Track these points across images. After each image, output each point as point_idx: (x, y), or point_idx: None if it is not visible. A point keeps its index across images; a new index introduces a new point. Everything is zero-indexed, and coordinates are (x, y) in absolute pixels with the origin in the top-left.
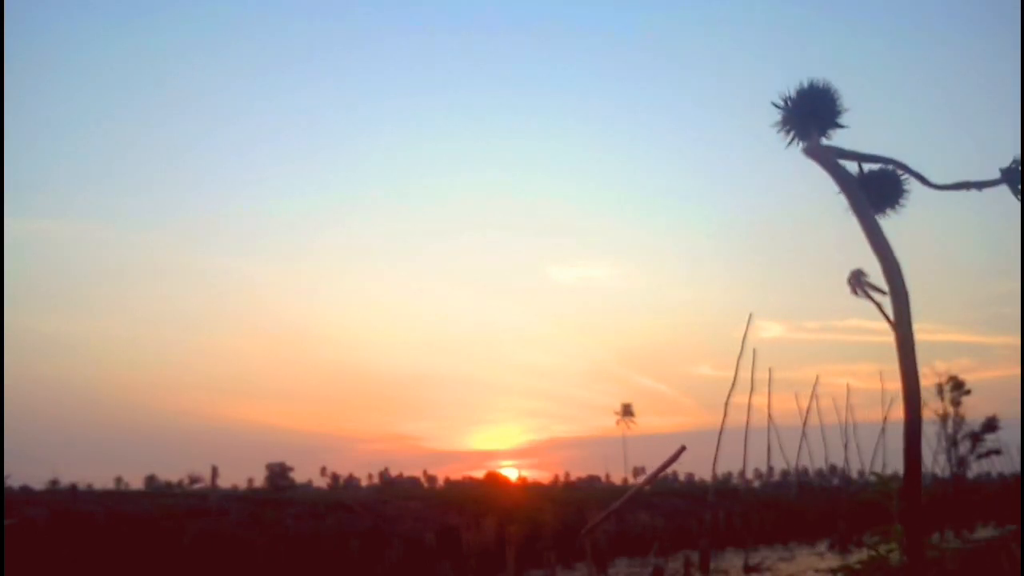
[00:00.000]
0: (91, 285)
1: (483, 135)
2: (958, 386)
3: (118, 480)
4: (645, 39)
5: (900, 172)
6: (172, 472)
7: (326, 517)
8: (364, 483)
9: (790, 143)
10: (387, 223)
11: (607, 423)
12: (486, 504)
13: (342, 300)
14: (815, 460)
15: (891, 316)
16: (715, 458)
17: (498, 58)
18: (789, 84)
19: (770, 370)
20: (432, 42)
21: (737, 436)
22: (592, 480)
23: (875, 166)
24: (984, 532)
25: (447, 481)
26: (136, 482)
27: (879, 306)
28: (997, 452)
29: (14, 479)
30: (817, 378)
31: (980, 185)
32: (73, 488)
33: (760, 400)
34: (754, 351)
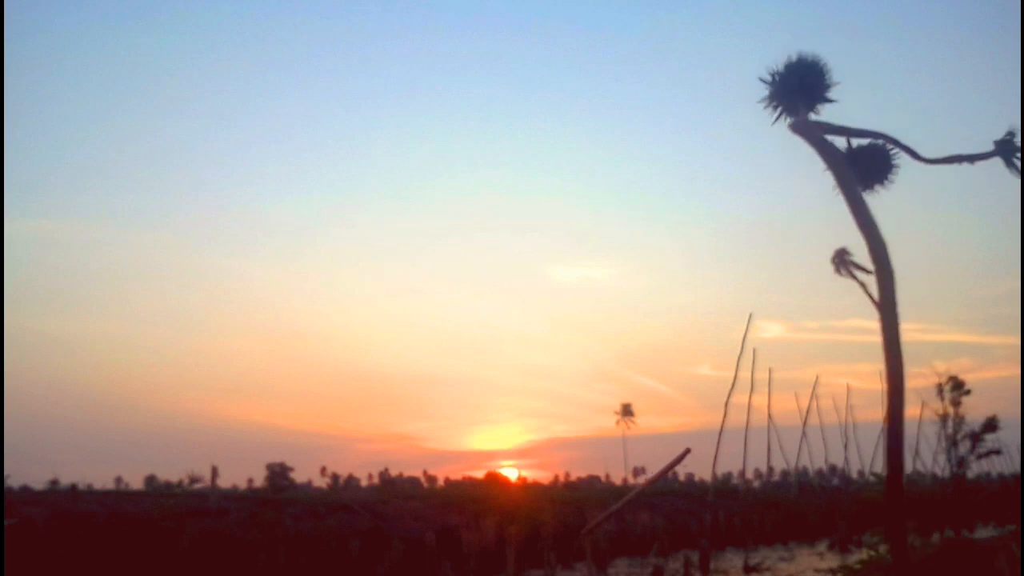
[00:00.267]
0: (91, 285)
1: (483, 135)
2: (958, 386)
3: (118, 480)
4: (645, 39)
5: (890, 147)
6: (172, 472)
7: (326, 517)
8: (364, 483)
9: (777, 119)
10: (387, 223)
11: (607, 423)
12: (486, 504)
13: (342, 300)
14: (815, 460)
15: (875, 296)
16: (715, 458)
17: (498, 58)
18: (777, 61)
19: (770, 370)
20: (432, 42)
21: (737, 436)
22: (592, 480)
23: (864, 141)
24: (984, 532)
25: (447, 481)
26: (136, 482)
27: (863, 286)
28: (997, 452)
29: (14, 479)
30: (817, 378)
31: (973, 158)
32: (73, 488)
33: (760, 400)
34: (754, 351)
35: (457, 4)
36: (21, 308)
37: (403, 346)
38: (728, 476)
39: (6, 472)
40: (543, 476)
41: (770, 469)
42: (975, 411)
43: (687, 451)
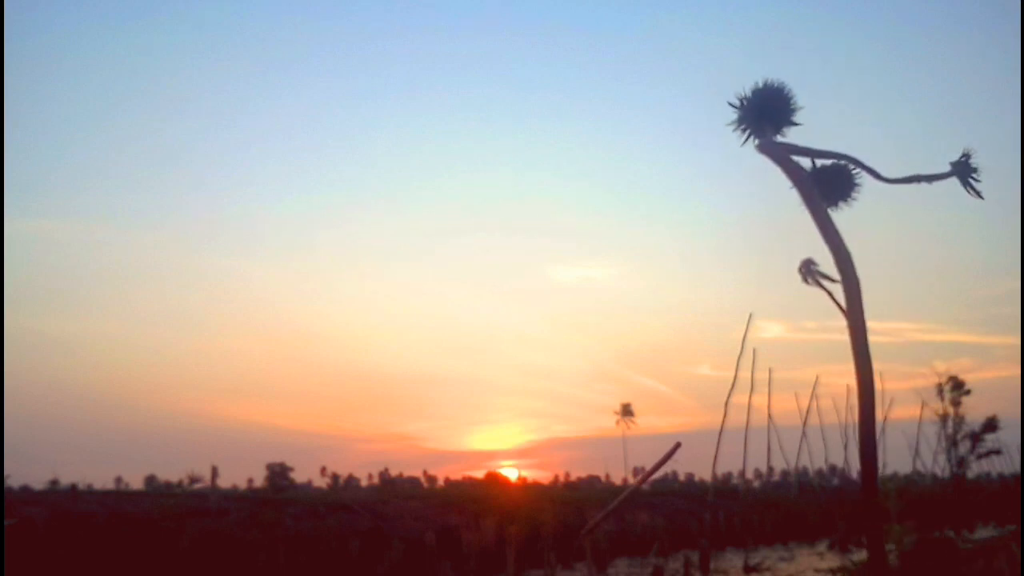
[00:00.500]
0: (91, 285)
1: (483, 135)
2: (958, 386)
3: (118, 480)
4: (645, 39)
5: (852, 167)
6: (172, 472)
7: (326, 517)
8: (364, 483)
9: (745, 141)
10: (387, 223)
11: (607, 423)
12: (486, 504)
13: (342, 300)
14: (815, 460)
15: (842, 303)
16: (715, 458)
17: (498, 58)
18: (750, 82)
19: (770, 370)
20: (432, 42)
21: (737, 436)
22: (592, 480)
23: (828, 161)
24: (984, 532)
25: (447, 481)
26: (136, 482)
27: (830, 293)
28: (997, 452)
29: (14, 479)
30: (817, 378)
31: (931, 178)
32: (73, 488)
33: (760, 400)
34: (754, 351)
35: (457, 4)
36: (21, 308)
37: (403, 346)
38: (728, 476)
39: (6, 472)
40: (543, 476)
41: (770, 469)
42: (975, 411)
43: (677, 445)
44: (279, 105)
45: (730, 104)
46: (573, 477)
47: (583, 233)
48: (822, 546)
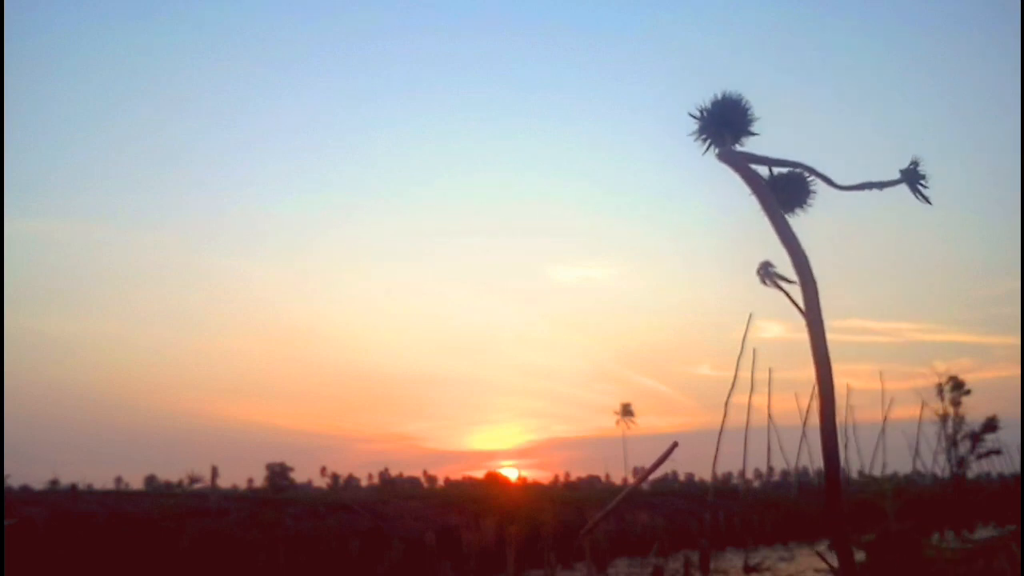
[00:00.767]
0: (91, 285)
1: (483, 135)
2: (958, 386)
3: (118, 480)
4: (645, 39)
5: (807, 174)
6: (172, 472)
7: (326, 517)
8: (364, 483)
9: (706, 150)
10: (387, 223)
11: (607, 423)
12: (486, 504)
13: (342, 300)
14: (815, 460)
15: (800, 304)
16: (715, 458)
17: (498, 58)
18: (711, 93)
19: (770, 370)
20: (432, 42)
21: (737, 436)
22: (592, 480)
23: (784, 169)
24: (984, 532)
25: (447, 481)
26: (136, 482)
27: (788, 295)
28: (997, 452)
29: (14, 479)
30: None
31: (881, 185)
32: (73, 488)
33: (760, 400)
34: (754, 351)
35: (457, 4)
36: (21, 308)
37: (403, 346)
38: (728, 476)
39: (6, 472)
40: (543, 476)
41: (770, 469)
42: (975, 411)
43: (674, 444)
44: (279, 105)
45: (690, 115)
46: (573, 477)
47: (583, 233)
48: (822, 546)
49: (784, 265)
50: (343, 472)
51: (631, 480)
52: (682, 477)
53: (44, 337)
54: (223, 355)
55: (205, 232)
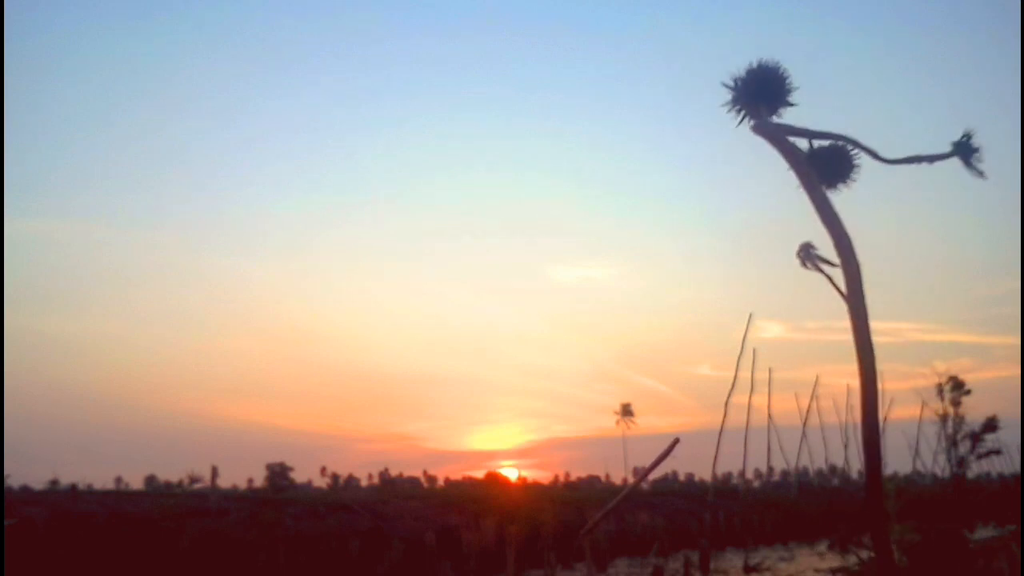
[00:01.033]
0: (91, 285)
1: (483, 135)
2: (958, 386)
3: (118, 480)
4: (645, 39)
5: (851, 148)
6: (172, 472)
7: (326, 517)
8: (364, 483)
9: (740, 122)
10: (387, 223)
11: (607, 423)
12: (486, 504)
13: (342, 300)
14: (815, 460)
15: (843, 289)
16: (715, 458)
17: (498, 58)
18: (740, 67)
19: (770, 370)
20: (432, 42)
21: (737, 436)
22: (592, 480)
23: (825, 142)
24: (984, 532)
25: (447, 481)
26: (136, 482)
27: (830, 278)
28: (997, 452)
29: (14, 479)
30: (817, 378)
31: (932, 159)
32: (73, 488)
33: (760, 400)
34: (754, 351)
35: (457, 4)
36: (21, 308)
37: (403, 346)
38: (728, 476)
39: (6, 472)
40: (543, 476)
41: (770, 469)
42: (975, 411)
43: (676, 441)
44: (279, 105)
45: (724, 84)
46: (573, 477)
47: (583, 233)
48: (822, 546)
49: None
50: (343, 472)
51: (631, 480)
52: (682, 477)
53: (44, 337)
54: (223, 355)
55: (205, 232)
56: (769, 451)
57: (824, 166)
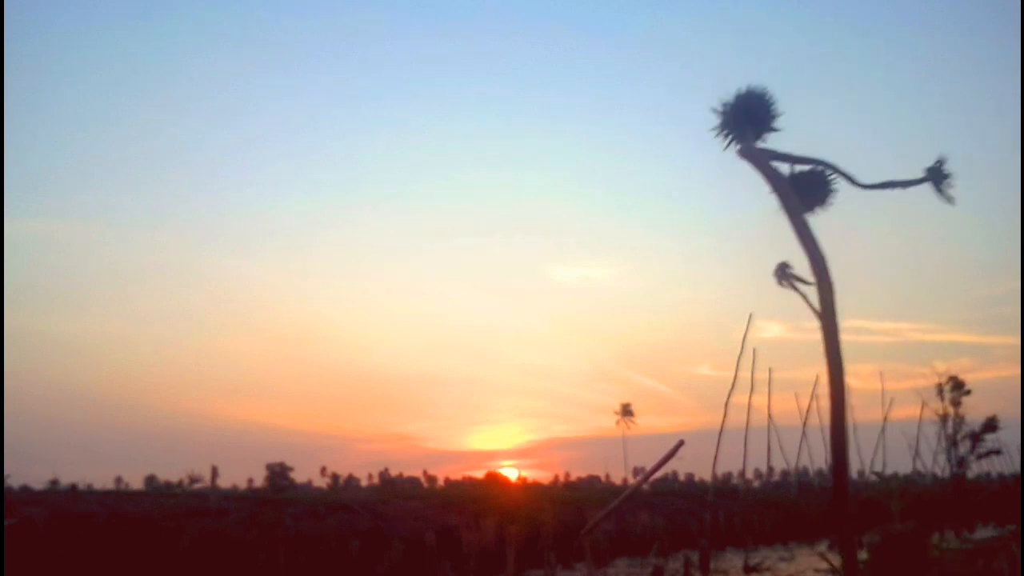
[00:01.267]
0: (91, 285)
1: (482, 135)
2: (958, 386)
3: (118, 480)
4: (645, 39)
5: (829, 172)
6: (172, 472)
7: (326, 517)
8: (364, 483)
9: (727, 146)
10: (387, 223)
11: (607, 423)
12: (486, 504)
13: (342, 300)
14: (815, 460)
15: (816, 306)
16: (715, 458)
17: (498, 58)
18: (743, 83)
19: (770, 370)
20: (432, 42)
21: (737, 436)
22: (592, 480)
23: (806, 167)
24: (984, 532)
25: (447, 481)
26: (136, 482)
27: (804, 297)
28: (997, 452)
29: (14, 479)
30: (817, 378)
31: (905, 184)
32: (73, 488)
33: (760, 400)
34: (754, 351)
35: (457, 4)
36: (21, 308)
37: (403, 346)
38: (728, 476)
39: (6, 472)
40: (543, 476)
41: (770, 469)
42: (975, 411)
43: (680, 443)
44: (279, 105)
45: (713, 110)
46: (573, 477)
47: (583, 233)
48: (822, 546)
49: (800, 265)
50: (343, 472)
51: (631, 480)
52: (682, 477)
53: (44, 337)
54: (223, 355)
55: (205, 232)
56: (769, 451)
57: (803, 190)
